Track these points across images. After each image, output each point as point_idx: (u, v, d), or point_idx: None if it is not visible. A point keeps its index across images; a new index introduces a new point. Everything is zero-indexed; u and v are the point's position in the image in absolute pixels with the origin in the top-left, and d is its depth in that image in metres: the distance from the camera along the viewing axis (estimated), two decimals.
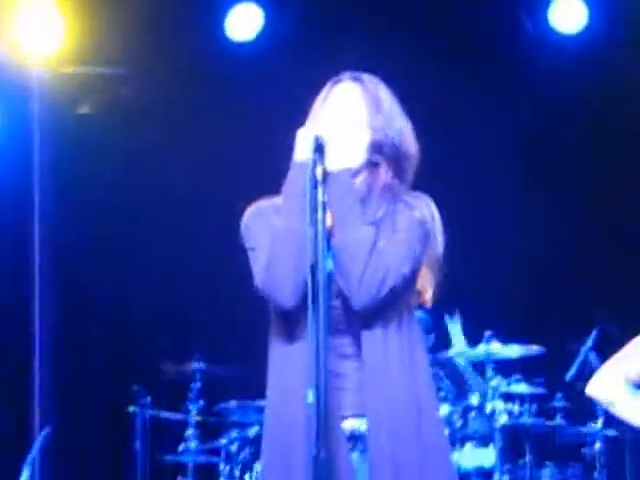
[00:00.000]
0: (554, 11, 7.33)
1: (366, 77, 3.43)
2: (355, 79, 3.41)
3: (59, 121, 6.95)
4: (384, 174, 3.31)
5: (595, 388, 4.40)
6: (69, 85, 7.41)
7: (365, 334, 3.25)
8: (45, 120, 6.65)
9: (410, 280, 3.27)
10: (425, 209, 3.33)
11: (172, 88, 7.33)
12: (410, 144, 3.37)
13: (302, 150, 3.24)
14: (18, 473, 6.40)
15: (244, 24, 7.33)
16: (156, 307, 6.86)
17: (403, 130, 3.37)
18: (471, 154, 7.36)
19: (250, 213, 3.40)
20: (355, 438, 3.30)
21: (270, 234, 3.29)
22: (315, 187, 3.09)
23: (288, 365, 3.31)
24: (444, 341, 6.94)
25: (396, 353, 3.30)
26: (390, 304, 3.25)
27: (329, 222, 3.16)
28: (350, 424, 3.25)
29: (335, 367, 3.16)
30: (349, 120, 3.33)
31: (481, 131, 7.41)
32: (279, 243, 3.23)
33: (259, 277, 3.24)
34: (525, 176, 7.43)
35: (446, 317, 6.84)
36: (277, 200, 3.39)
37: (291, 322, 3.30)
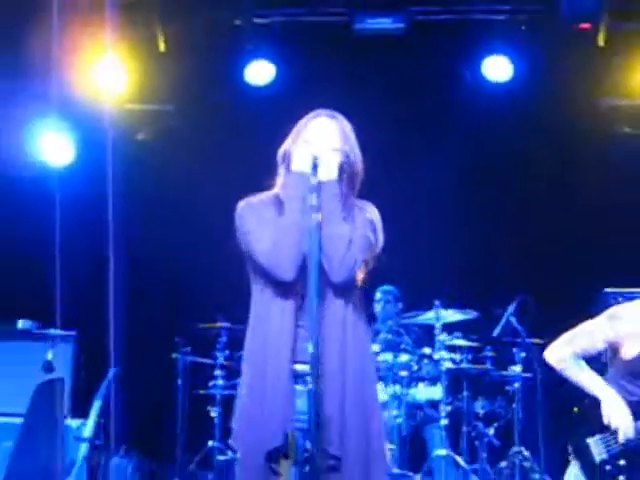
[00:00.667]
0: (486, 65, 7.43)
1: (338, 116, 3.59)
2: (331, 116, 3.59)
3: (124, 145, 7.10)
4: (346, 186, 3.50)
5: (551, 356, 4.61)
6: (131, 118, 7.75)
7: (335, 300, 3.42)
8: (114, 144, 6.68)
9: (366, 264, 3.46)
10: (373, 213, 3.54)
11: (206, 120, 7.64)
12: (361, 167, 3.56)
13: (299, 163, 3.44)
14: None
15: (259, 74, 7.51)
16: (194, 280, 7.22)
17: (358, 156, 3.56)
18: (421, 170, 7.63)
19: (242, 205, 3.54)
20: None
21: (264, 219, 3.46)
22: (311, 193, 3.31)
23: (275, 320, 3.43)
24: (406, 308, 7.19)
25: (350, 315, 3.47)
26: (354, 281, 3.44)
27: (320, 219, 3.29)
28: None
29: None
30: (328, 145, 3.48)
31: (428, 156, 7.61)
32: (285, 233, 3.39)
33: (263, 257, 3.40)
34: (465, 180, 7.69)
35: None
36: (261, 196, 3.57)
37: (286, 288, 3.42)
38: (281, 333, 3.42)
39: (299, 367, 3.39)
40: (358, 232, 3.44)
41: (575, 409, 4.60)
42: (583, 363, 4.57)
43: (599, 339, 4.55)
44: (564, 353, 4.61)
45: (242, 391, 3.55)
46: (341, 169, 3.49)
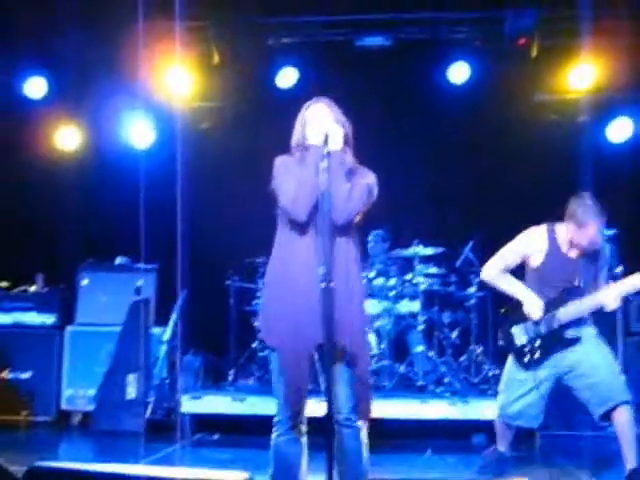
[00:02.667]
0: (451, 70, 7.39)
1: (326, 99, 3.54)
2: (323, 101, 3.54)
3: (190, 133, 7.02)
4: (347, 152, 3.47)
5: (484, 274, 4.61)
6: (195, 112, 7.67)
7: (339, 238, 3.37)
8: (182, 133, 6.67)
9: (361, 211, 3.43)
10: (368, 176, 3.48)
11: (248, 113, 7.53)
12: (351, 135, 3.50)
13: (315, 138, 3.36)
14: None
15: (287, 79, 7.52)
16: (241, 226, 7.09)
17: (350, 128, 3.51)
18: (403, 145, 7.52)
19: (279, 160, 3.50)
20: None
21: (290, 173, 3.40)
22: (322, 160, 3.29)
23: (298, 253, 3.38)
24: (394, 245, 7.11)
25: (352, 248, 3.46)
26: (352, 223, 3.43)
27: (329, 178, 3.27)
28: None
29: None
30: (332, 121, 3.42)
31: (408, 135, 7.58)
32: (303, 185, 3.34)
33: (287, 202, 3.35)
34: (434, 154, 7.58)
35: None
36: (291, 157, 3.51)
37: (301, 228, 3.38)
38: (307, 260, 3.35)
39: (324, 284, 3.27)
40: (356, 190, 3.38)
41: (502, 309, 4.60)
42: (508, 275, 4.52)
43: (517, 253, 4.51)
44: (492, 270, 4.55)
45: (269, 301, 3.49)
46: (344, 140, 3.43)
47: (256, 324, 3.60)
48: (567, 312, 4.34)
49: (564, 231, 4.41)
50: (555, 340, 4.37)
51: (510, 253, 4.54)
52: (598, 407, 4.33)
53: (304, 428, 3.44)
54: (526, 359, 4.42)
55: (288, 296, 3.38)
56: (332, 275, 3.19)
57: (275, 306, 3.44)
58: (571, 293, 4.35)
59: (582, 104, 7.45)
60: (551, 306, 4.38)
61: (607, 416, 4.34)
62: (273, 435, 3.44)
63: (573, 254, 4.43)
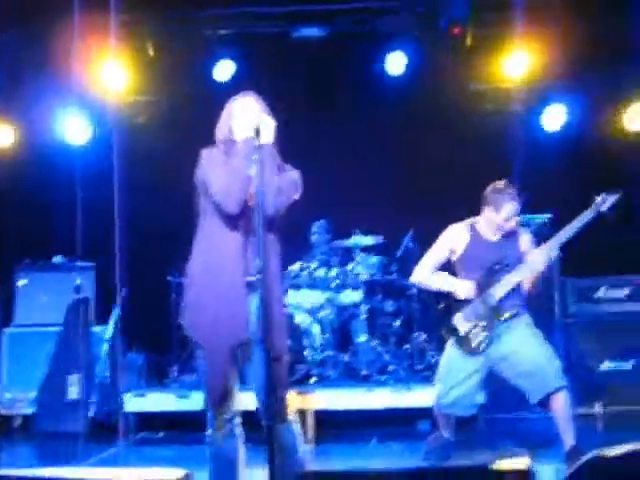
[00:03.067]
0: (388, 61, 7.43)
1: (254, 94, 3.51)
2: (249, 94, 3.51)
3: (125, 126, 7.09)
4: (275, 146, 3.43)
5: (414, 278, 4.68)
6: (129, 107, 7.56)
7: (267, 232, 3.28)
8: (117, 127, 6.80)
9: (287, 205, 3.41)
10: (296, 173, 3.49)
11: (185, 106, 7.44)
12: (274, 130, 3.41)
13: (245, 132, 3.32)
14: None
15: (224, 71, 7.45)
16: (182, 224, 7.11)
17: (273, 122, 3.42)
18: (342, 135, 7.49)
19: (206, 152, 3.44)
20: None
21: (220, 166, 3.34)
22: (254, 152, 3.28)
23: (226, 246, 3.32)
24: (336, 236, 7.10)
25: (276, 242, 3.43)
26: (278, 217, 3.39)
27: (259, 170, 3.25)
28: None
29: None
30: (263, 114, 3.39)
31: (346, 125, 7.51)
32: (235, 178, 3.30)
33: (219, 194, 3.29)
34: (371, 141, 7.56)
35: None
36: (217, 152, 3.44)
37: (229, 221, 3.34)
38: (235, 253, 3.32)
39: (249, 279, 3.32)
40: (285, 183, 3.38)
41: (439, 305, 4.65)
42: (437, 273, 4.58)
43: (441, 250, 4.59)
44: (421, 272, 4.62)
45: (193, 295, 3.40)
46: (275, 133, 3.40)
47: (180, 321, 3.49)
48: (500, 287, 4.43)
49: (482, 220, 4.55)
50: (495, 316, 4.44)
51: (435, 252, 4.62)
52: (535, 394, 4.41)
53: (237, 421, 3.43)
54: (474, 344, 4.47)
55: (212, 290, 3.33)
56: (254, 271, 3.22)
57: (199, 300, 3.37)
58: (499, 271, 4.45)
59: (516, 93, 7.54)
60: (483, 286, 4.46)
61: (544, 402, 4.43)
62: (207, 432, 3.42)
63: (494, 238, 4.55)
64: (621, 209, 4.43)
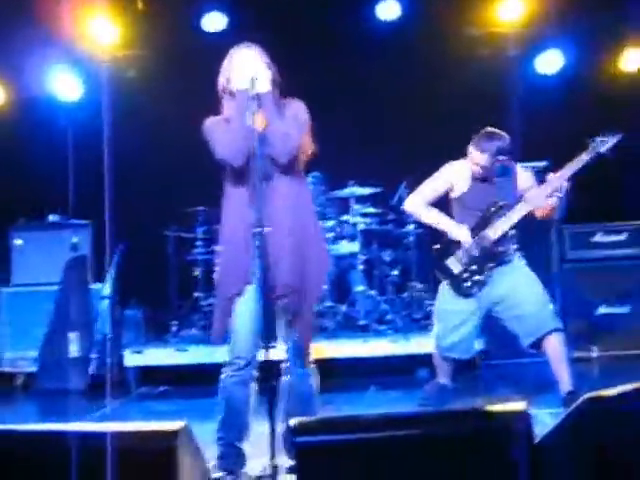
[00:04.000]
0: (380, 8, 7.31)
1: (252, 45, 3.50)
2: (249, 46, 3.49)
3: (115, 81, 6.92)
4: (275, 91, 3.43)
5: (407, 206, 4.66)
6: (119, 61, 7.39)
7: (282, 177, 3.40)
8: (108, 81, 6.65)
9: (300, 146, 3.41)
10: (297, 105, 3.47)
11: (175, 59, 7.27)
12: (277, 75, 3.47)
13: (241, 83, 3.33)
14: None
15: (213, 23, 7.31)
16: (178, 176, 7.01)
17: (274, 68, 3.47)
18: (335, 84, 7.33)
19: (208, 121, 3.48)
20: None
21: (220, 125, 3.41)
22: (252, 102, 3.29)
23: (236, 200, 3.41)
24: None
25: (299, 190, 3.49)
26: (295, 161, 3.42)
27: (262, 120, 3.31)
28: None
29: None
30: (259, 64, 3.40)
31: (341, 74, 7.35)
32: (234, 130, 3.33)
33: (222, 150, 3.35)
34: (364, 89, 7.41)
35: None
36: (220, 117, 3.50)
37: (238, 176, 3.39)
38: (242, 207, 3.36)
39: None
40: (290, 124, 3.36)
41: (434, 246, 4.66)
42: (431, 207, 4.58)
43: (440, 183, 4.56)
44: (416, 201, 4.60)
45: (220, 253, 3.57)
46: (272, 81, 3.41)
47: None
48: (496, 228, 4.42)
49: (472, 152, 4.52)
50: (489, 258, 4.44)
51: (433, 183, 4.60)
52: (528, 337, 4.44)
53: (254, 373, 3.46)
54: (467, 284, 4.47)
55: (231, 246, 3.43)
56: (269, 220, 3.22)
57: (222, 257, 3.51)
58: (495, 213, 4.45)
59: (511, 37, 7.39)
60: (478, 228, 4.46)
61: (537, 345, 4.44)
62: (222, 376, 3.47)
63: (492, 179, 4.53)
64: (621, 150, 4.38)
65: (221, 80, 3.51)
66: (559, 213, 4.47)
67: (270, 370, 3.14)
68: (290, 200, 3.40)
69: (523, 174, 4.60)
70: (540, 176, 4.73)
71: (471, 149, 4.48)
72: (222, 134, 3.37)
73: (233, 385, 3.43)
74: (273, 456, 2.96)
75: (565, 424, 2.27)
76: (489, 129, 4.51)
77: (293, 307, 3.38)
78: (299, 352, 3.45)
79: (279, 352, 3.44)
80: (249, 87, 3.29)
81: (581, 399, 2.28)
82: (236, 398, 3.45)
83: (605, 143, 4.34)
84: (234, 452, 3.47)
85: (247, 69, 3.36)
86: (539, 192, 4.38)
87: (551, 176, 4.38)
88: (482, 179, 4.52)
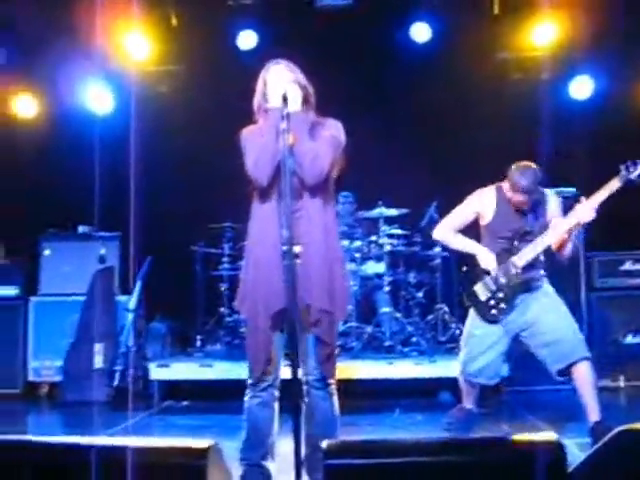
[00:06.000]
0: (412, 30, 7.35)
1: (282, 61, 3.49)
2: (278, 62, 3.48)
3: (147, 96, 7.08)
4: (307, 110, 3.41)
5: (436, 234, 4.66)
6: (151, 76, 7.55)
7: (311, 196, 3.37)
8: (140, 95, 6.71)
9: (331, 168, 3.37)
10: (332, 125, 3.44)
11: (208, 75, 7.36)
12: (312, 91, 3.45)
13: (274, 101, 3.32)
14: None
15: (247, 41, 7.38)
16: (205, 192, 7.10)
17: (308, 83, 3.45)
18: (367, 103, 7.32)
19: (245, 131, 3.46)
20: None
21: (254, 140, 3.38)
22: (282, 121, 3.24)
23: (264, 217, 3.38)
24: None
25: (325, 210, 3.41)
26: (324, 182, 3.38)
27: (292, 139, 3.27)
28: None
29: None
30: (289, 82, 3.36)
31: (373, 93, 7.45)
32: (263, 149, 3.32)
33: (250, 167, 3.33)
34: (398, 112, 7.48)
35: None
36: (254, 127, 3.48)
37: (266, 194, 3.37)
38: (270, 225, 3.34)
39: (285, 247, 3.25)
40: (322, 145, 3.34)
41: (462, 268, 4.64)
42: (459, 234, 4.58)
43: (469, 211, 4.56)
44: (445, 229, 4.62)
45: (244, 270, 3.51)
46: (303, 99, 3.38)
47: (237, 295, 3.52)
48: (522, 256, 4.40)
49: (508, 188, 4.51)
50: (516, 287, 4.41)
51: (461, 212, 4.60)
52: (556, 363, 4.38)
53: (276, 393, 3.45)
54: (493, 312, 4.45)
55: (255, 263, 3.39)
56: (298, 239, 3.22)
57: (245, 273, 3.47)
58: (522, 240, 4.43)
59: (544, 61, 7.43)
60: (505, 255, 4.44)
61: (565, 372, 4.39)
62: (245, 398, 3.47)
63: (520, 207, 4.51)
64: None
65: (257, 98, 3.51)
66: (572, 250, 4.45)
67: (295, 389, 3.07)
68: (318, 220, 3.38)
69: (553, 202, 4.57)
70: (568, 203, 4.70)
71: (508, 190, 4.46)
72: (254, 147, 3.36)
73: (257, 406, 3.42)
74: (299, 476, 2.92)
75: (598, 455, 2.23)
76: (521, 165, 4.44)
77: (322, 329, 3.36)
78: (321, 373, 3.40)
79: (301, 372, 3.37)
80: (280, 105, 3.28)
81: (615, 431, 2.25)
82: (260, 418, 3.43)
83: (636, 169, 4.29)
84: (259, 472, 3.46)
85: (278, 87, 3.34)
86: (563, 223, 4.34)
87: (580, 205, 4.32)
88: (508, 204, 4.50)
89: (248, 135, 3.45)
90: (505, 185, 4.52)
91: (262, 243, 3.37)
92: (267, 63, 3.52)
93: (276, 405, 3.46)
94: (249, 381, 3.45)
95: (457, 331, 6.64)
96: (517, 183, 4.39)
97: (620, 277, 6.79)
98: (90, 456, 2.22)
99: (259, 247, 3.39)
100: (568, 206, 4.54)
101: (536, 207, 4.51)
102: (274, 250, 3.30)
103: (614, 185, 4.28)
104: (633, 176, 4.29)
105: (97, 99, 7.56)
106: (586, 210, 4.27)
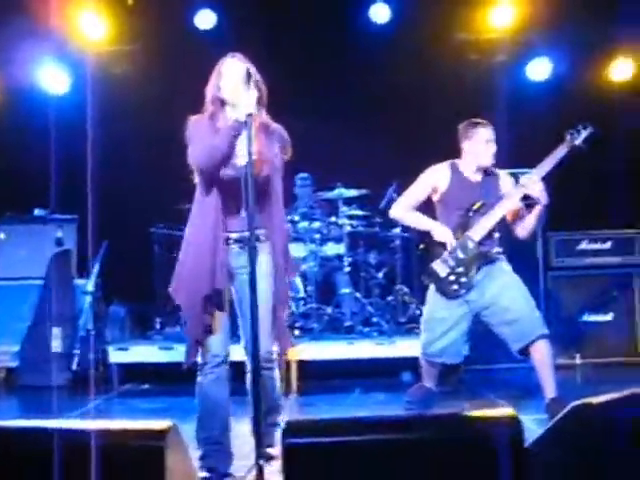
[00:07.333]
0: (372, 10, 7.32)
1: (241, 55, 3.51)
2: (236, 56, 3.50)
3: (103, 76, 6.94)
4: (260, 110, 3.45)
5: (392, 212, 4.64)
6: (107, 56, 7.40)
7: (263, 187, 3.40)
8: (95, 76, 6.56)
9: (280, 167, 3.48)
10: (280, 131, 3.53)
11: (164, 56, 7.24)
12: (265, 92, 3.48)
13: (236, 113, 3.30)
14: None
15: (205, 21, 7.27)
16: (163, 173, 6.55)
17: (263, 85, 3.47)
18: (324, 87, 7.35)
19: (193, 121, 3.49)
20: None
21: (202, 137, 3.40)
22: (238, 131, 3.28)
23: (209, 209, 3.41)
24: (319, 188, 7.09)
25: (274, 197, 3.49)
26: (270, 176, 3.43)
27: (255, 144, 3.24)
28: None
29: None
30: (243, 84, 3.34)
31: (330, 76, 7.38)
32: (214, 150, 3.34)
33: (200, 160, 3.37)
34: (353, 94, 7.36)
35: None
36: (204, 117, 3.50)
37: (209, 184, 3.41)
38: (216, 212, 3.39)
39: (233, 235, 3.45)
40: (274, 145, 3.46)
41: (420, 246, 4.67)
42: (415, 212, 4.59)
43: (424, 187, 4.58)
44: (401, 207, 4.62)
45: (182, 257, 3.54)
46: (258, 101, 3.37)
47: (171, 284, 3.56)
48: (477, 229, 4.43)
49: (463, 160, 4.57)
50: (474, 260, 4.44)
51: (416, 189, 4.62)
52: (517, 342, 4.43)
53: (225, 370, 3.51)
54: (454, 287, 4.46)
55: (193, 248, 3.47)
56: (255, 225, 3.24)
57: (182, 262, 3.53)
58: (476, 213, 4.46)
59: (501, 43, 7.48)
60: (460, 229, 4.47)
61: (525, 351, 4.45)
62: (198, 379, 3.50)
63: (474, 178, 4.56)
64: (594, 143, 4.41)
65: (210, 89, 3.51)
66: (531, 228, 4.52)
67: (254, 365, 3.11)
68: (270, 209, 3.47)
69: (506, 179, 4.63)
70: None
71: (467, 140, 4.51)
72: (203, 143, 3.37)
73: (211, 383, 3.46)
74: (259, 456, 2.93)
75: (555, 430, 2.27)
76: (472, 120, 4.55)
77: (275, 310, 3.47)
78: (269, 352, 3.48)
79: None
80: (243, 120, 3.23)
81: (570, 406, 2.29)
82: (214, 395, 3.48)
83: (579, 135, 4.37)
84: (218, 449, 3.49)
85: (244, 96, 3.29)
86: (514, 194, 4.42)
87: (526, 175, 4.40)
88: (464, 178, 4.54)
89: (195, 126, 3.47)
90: (462, 160, 4.57)
91: (205, 231, 3.40)
92: (223, 57, 3.52)
93: (227, 383, 3.52)
94: (200, 362, 3.49)
95: (417, 312, 6.67)
96: (486, 130, 4.49)
97: (577, 257, 6.90)
98: (50, 439, 2.20)
99: (201, 235, 3.42)
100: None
101: (488, 184, 4.55)
102: (216, 237, 3.37)
103: (560, 152, 4.37)
104: (578, 142, 4.38)
105: (52, 79, 7.42)
106: (532, 179, 4.34)
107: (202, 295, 3.38)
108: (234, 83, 3.37)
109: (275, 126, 3.53)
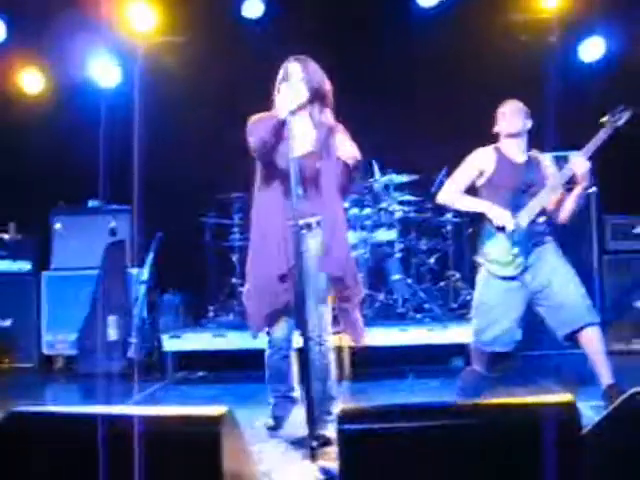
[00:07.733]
0: None
1: (302, 57, 3.72)
2: (296, 59, 3.73)
3: (153, 67, 7.01)
4: (319, 106, 3.72)
5: (440, 197, 4.59)
6: (157, 48, 7.38)
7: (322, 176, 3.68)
8: (146, 67, 6.77)
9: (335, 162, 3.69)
10: (341, 131, 3.73)
11: (214, 46, 7.19)
12: (328, 87, 3.70)
13: (282, 109, 3.56)
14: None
15: (253, 10, 7.24)
16: (213, 164, 6.90)
17: (324, 80, 3.69)
18: (372, 72, 7.26)
19: (253, 118, 3.71)
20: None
21: (261, 121, 3.65)
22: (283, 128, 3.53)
23: (271, 198, 3.69)
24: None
25: (329, 184, 3.70)
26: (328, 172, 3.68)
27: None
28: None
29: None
30: (298, 81, 3.63)
31: (380, 61, 7.29)
32: (264, 143, 3.58)
33: (254, 150, 3.64)
34: (403, 77, 7.33)
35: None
36: (264, 115, 3.71)
37: (272, 173, 3.68)
38: (278, 201, 3.64)
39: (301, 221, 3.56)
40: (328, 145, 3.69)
41: (470, 229, 4.62)
42: (465, 195, 4.54)
43: (472, 169, 4.54)
44: (450, 191, 4.56)
45: (252, 243, 3.82)
46: (319, 98, 3.67)
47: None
48: (528, 210, 4.38)
49: (503, 143, 4.56)
50: (526, 240, 4.38)
51: (463, 173, 4.56)
52: (562, 328, 4.35)
53: (290, 349, 3.88)
54: (510, 269, 4.38)
55: (266, 234, 3.71)
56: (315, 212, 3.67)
57: (259, 244, 3.76)
58: (526, 194, 4.41)
59: (553, 24, 7.31)
60: (512, 210, 4.40)
61: (571, 337, 4.37)
62: (265, 354, 3.90)
63: (519, 160, 4.51)
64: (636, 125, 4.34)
65: (277, 84, 3.73)
66: (571, 213, 4.45)
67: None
68: (328, 194, 3.68)
69: (547, 160, 4.59)
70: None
71: (500, 122, 4.58)
72: (259, 134, 3.59)
73: (274, 360, 3.86)
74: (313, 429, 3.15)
75: (612, 417, 2.23)
76: (506, 103, 4.62)
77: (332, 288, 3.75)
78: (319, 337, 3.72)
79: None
80: (282, 117, 3.52)
81: (628, 393, 2.24)
82: (277, 366, 3.89)
83: (621, 117, 4.32)
84: (288, 400, 3.94)
85: (289, 97, 3.55)
86: (561, 174, 4.38)
87: (573, 156, 4.35)
88: (508, 160, 4.49)
89: (254, 121, 3.68)
90: (502, 144, 4.56)
91: (273, 215, 3.66)
92: (285, 61, 3.73)
93: (292, 358, 3.87)
94: (267, 338, 3.86)
95: (468, 297, 6.59)
96: (522, 106, 4.54)
97: (632, 240, 6.77)
98: (104, 426, 2.22)
99: (268, 221, 3.68)
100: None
101: (533, 165, 4.51)
102: (284, 223, 3.60)
103: (604, 134, 4.30)
104: (620, 123, 4.32)
105: (103, 72, 7.52)
106: (579, 160, 4.28)
107: (277, 274, 3.64)
108: (280, 84, 3.64)
109: (340, 136, 3.69)
